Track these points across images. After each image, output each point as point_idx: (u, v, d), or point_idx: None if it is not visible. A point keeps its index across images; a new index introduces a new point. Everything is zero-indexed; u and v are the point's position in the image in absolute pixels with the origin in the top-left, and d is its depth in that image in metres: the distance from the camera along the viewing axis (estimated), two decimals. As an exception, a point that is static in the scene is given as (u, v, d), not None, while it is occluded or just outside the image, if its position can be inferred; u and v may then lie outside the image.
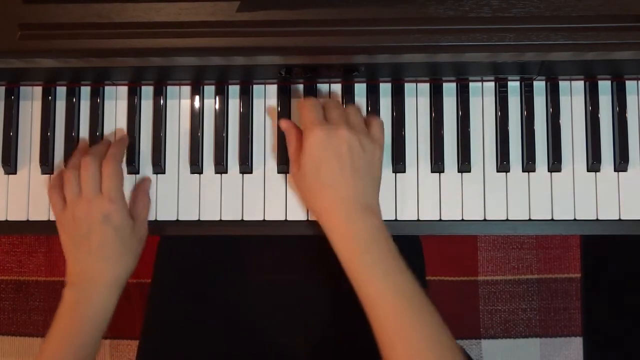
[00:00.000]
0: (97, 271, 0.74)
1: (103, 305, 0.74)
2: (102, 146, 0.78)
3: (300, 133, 0.74)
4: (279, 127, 0.80)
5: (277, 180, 0.80)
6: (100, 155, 0.76)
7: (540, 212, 0.79)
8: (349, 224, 0.69)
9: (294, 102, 0.81)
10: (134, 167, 0.81)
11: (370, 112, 0.79)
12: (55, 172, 0.81)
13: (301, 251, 0.89)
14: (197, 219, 0.80)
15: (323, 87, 0.81)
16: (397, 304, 0.66)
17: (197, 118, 0.81)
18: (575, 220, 0.78)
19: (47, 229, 0.79)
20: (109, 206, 0.73)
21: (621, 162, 0.78)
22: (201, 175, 0.81)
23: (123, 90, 0.82)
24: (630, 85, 0.79)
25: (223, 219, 0.80)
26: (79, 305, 0.73)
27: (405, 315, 0.66)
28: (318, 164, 0.70)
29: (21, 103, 0.82)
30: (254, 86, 0.81)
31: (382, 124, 0.75)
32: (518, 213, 0.79)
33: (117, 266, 0.75)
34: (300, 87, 0.81)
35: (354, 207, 0.69)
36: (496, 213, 0.79)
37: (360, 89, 0.81)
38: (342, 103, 0.80)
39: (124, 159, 0.81)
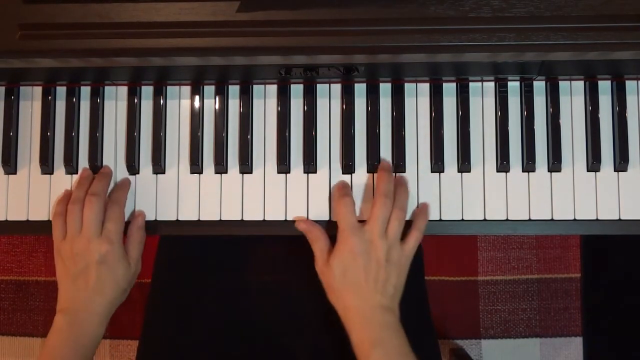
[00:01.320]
0: (90, 303, 0.76)
1: (93, 333, 0.76)
2: (105, 182, 0.79)
3: (321, 231, 0.78)
4: (278, 127, 0.80)
5: (277, 180, 0.80)
6: (104, 194, 0.78)
7: (540, 212, 0.79)
8: (364, 321, 0.73)
9: (294, 103, 0.81)
10: (133, 167, 0.81)
11: (420, 212, 0.78)
12: (60, 172, 0.81)
13: (301, 251, 0.89)
14: (197, 219, 0.80)
15: (323, 87, 0.81)
16: None
17: (197, 118, 0.81)
18: (575, 220, 0.78)
19: (47, 229, 0.79)
20: (107, 248, 0.76)
21: (621, 162, 0.78)
22: (201, 175, 0.81)
23: (123, 90, 0.82)
24: (630, 85, 0.79)
25: (223, 219, 0.80)
26: (71, 331, 0.75)
27: None
28: (346, 271, 0.74)
29: (21, 103, 0.82)
30: (254, 86, 0.81)
31: (420, 237, 0.77)
32: (518, 213, 0.79)
33: (110, 299, 0.77)
34: (300, 87, 0.81)
35: (371, 309, 0.74)
36: (496, 213, 0.79)
37: (360, 89, 0.81)
38: (342, 103, 0.80)
39: (124, 160, 0.81)
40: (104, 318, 0.77)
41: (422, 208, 0.79)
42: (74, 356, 0.75)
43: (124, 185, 0.81)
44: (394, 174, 0.79)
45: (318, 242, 0.77)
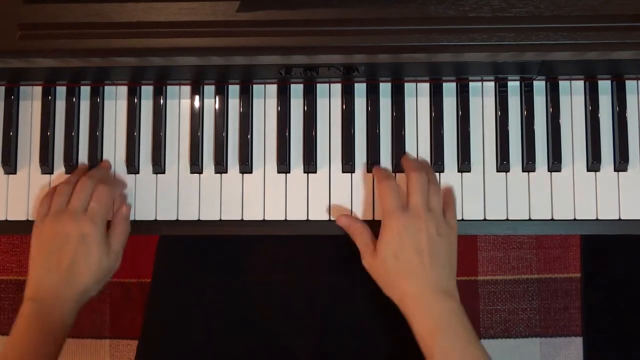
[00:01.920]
0: (59, 290, 0.73)
1: (62, 323, 0.73)
2: (103, 171, 0.79)
3: (363, 225, 0.75)
4: (278, 127, 0.80)
5: (277, 180, 0.80)
6: (98, 179, 0.76)
7: (540, 212, 0.79)
8: (427, 309, 0.70)
9: (294, 103, 0.81)
10: (134, 167, 0.81)
11: (447, 193, 0.78)
12: (56, 177, 0.81)
13: (301, 251, 0.89)
14: (197, 218, 0.80)
15: (323, 86, 0.81)
16: None
17: (197, 118, 0.81)
18: (575, 220, 0.78)
19: (47, 228, 0.79)
20: (89, 226, 0.73)
21: (621, 162, 0.78)
22: (201, 175, 0.81)
23: (123, 90, 0.82)
24: (630, 85, 0.79)
25: (223, 218, 0.80)
26: (40, 319, 0.73)
27: None
28: (397, 253, 0.71)
29: (21, 103, 0.82)
30: (254, 86, 0.81)
31: (455, 207, 0.76)
32: (518, 213, 0.79)
33: (82, 287, 0.74)
34: (300, 87, 0.81)
35: (432, 294, 0.70)
36: (496, 213, 0.79)
37: (360, 89, 0.81)
38: (342, 103, 0.80)
39: (124, 160, 0.81)
40: (74, 308, 0.74)
41: (445, 188, 0.79)
42: (41, 346, 0.72)
43: (121, 181, 0.80)
44: (392, 173, 0.79)
45: (361, 236, 0.75)
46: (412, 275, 0.71)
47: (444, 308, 0.70)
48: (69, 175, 0.80)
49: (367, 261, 0.74)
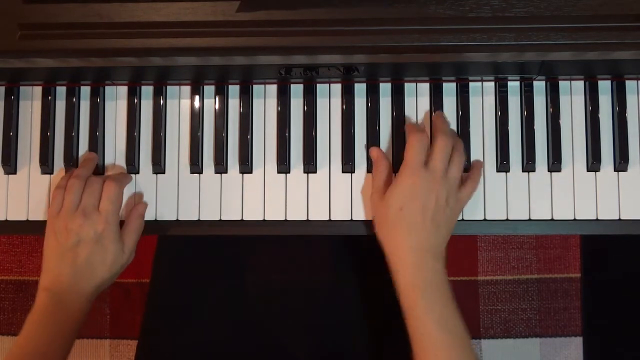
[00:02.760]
0: (76, 283, 0.75)
1: (75, 315, 0.75)
2: (113, 172, 0.80)
3: (389, 165, 0.77)
4: (278, 127, 0.80)
5: (277, 180, 0.80)
6: (106, 175, 0.78)
7: (540, 212, 0.79)
8: (416, 269, 0.72)
9: (294, 103, 0.81)
10: (133, 167, 0.81)
11: (475, 166, 0.78)
12: (60, 171, 0.81)
13: (301, 251, 0.89)
14: (197, 218, 0.80)
15: (323, 87, 0.81)
16: (448, 343, 0.70)
17: (197, 118, 0.81)
18: (575, 220, 0.78)
19: (47, 228, 0.79)
20: (103, 226, 0.75)
21: (621, 162, 0.78)
22: (201, 175, 0.81)
23: (123, 90, 0.82)
24: (630, 85, 0.79)
25: (223, 218, 0.80)
26: (54, 311, 0.74)
27: (454, 353, 0.69)
28: (403, 204, 0.72)
29: (21, 103, 0.82)
30: (254, 86, 0.81)
31: (476, 187, 0.77)
32: (518, 213, 0.79)
33: (96, 281, 0.76)
34: (300, 87, 0.81)
35: (424, 253, 0.72)
36: (496, 213, 0.79)
37: (360, 89, 0.81)
38: (342, 103, 0.80)
39: (124, 160, 0.80)
40: (89, 301, 0.76)
41: (476, 163, 0.79)
42: (57, 337, 0.73)
43: (126, 175, 0.81)
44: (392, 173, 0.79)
45: (382, 173, 0.77)
46: (410, 231, 0.72)
47: (432, 268, 0.72)
48: (76, 168, 0.79)
49: (374, 199, 0.76)
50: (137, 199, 0.81)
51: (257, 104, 0.81)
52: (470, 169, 0.78)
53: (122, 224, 0.78)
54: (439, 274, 0.72)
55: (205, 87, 0.81)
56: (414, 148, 0.73)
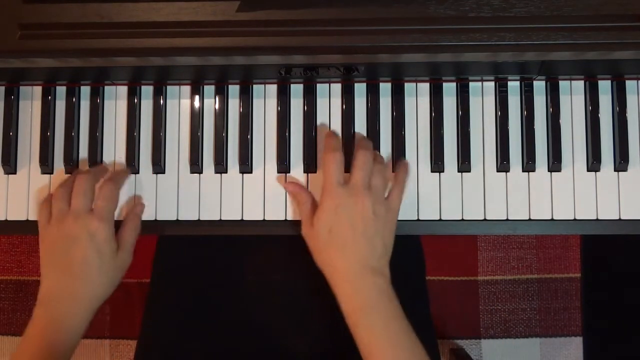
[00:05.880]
0: (73, 290, 0.72)
1: (74, 327, 0.72)
2: (101, 168, 0.78)
3: (308, 195, 0.77)
4: (278, 127, 0.80)
5: (276, 180, 0.80)
6: (97, 175, 0.77)
7: (540, 212, 0.79)
8: (354, 285, 0.71)
9: (294, 103, 0.81)
10: (134, 167, 0.81)
11: (399, 168, 0.78)
12: (60, 171, 0.81)
13: (301, 251, 0.89)
14: (196, 218, 0.80)
15: (323, 87, 0.81)
16: (397, 358, 0.68)
17: (197, 118, 0.81)
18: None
19: (47, 228, 0.79)
20: (96, 224, 0.72)
21: (621, 161, 0.78)
22: (201, 175, 0.81)
23: (123, 90, 0.82)
24: (630, 85, 0.79)
25: (223, 218, 0.80)
26: (52, 325, 0.71)
27: None
28: (331, 226, 0.72)
29: (21, 103, 0.82)
30: (254, 86, 0.81)
31: (403, 190, 0.76)
32: (518, 213, 0.79)
33: (94, 287, 0.73)
34: (300, 87, 0.81)
35: (360, 271, 0.71)
36: (496, 213, 0.79)
37: (360, 89, 0.81)
38: (342, 103, 0.80)
39: (124, 160, 0.81)
40: (87, 310, 0.73)
41: (401, 163, 0.78)
42: (53, 351, 0.71)
43: (124, 170, 0.80)
44: (393, 173, 0.79)
45: (305, 205, 0.76)
46: (342, 249, 0.72)
47: (372, 283, 0.71)
48: (68, 175, 0.80)
49: (305, 230, 0.75)
50: (137, 199, 0.81)
51: (257, 104, 0.81)
52: (395, 173, 0.77)
53: (118, 226, 0.78)
54: (381, 288, 0.71)
55: (205, 87, 0.81)
56: (329, 169, 0.73)
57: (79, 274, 0.72)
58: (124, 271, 0.77)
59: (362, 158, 0.73)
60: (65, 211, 0.74)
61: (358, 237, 0.71)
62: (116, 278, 0.76)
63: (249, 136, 0.80)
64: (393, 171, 0.78)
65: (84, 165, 0.81)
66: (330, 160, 0.74)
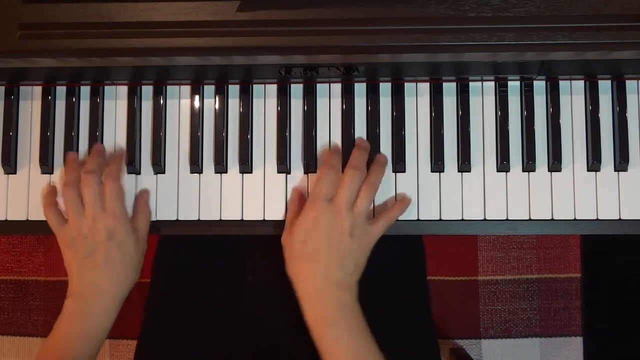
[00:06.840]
0: (100, 284, 0.75)
1: (104, 317, 0.75)
2: (99, 159, 0.78)
3: (299, 207, 0.77)
4: (278, 127, 0.80)
5: (277, 180, 0.80)
6: (100, 171, 0.77)
7: (540, 212, 0.78)
8: (320, 300, 0.72)
9: (294, 103, 0.81)
10: (134, 167, 0.81)
11: (397, 203, 0.77)
12: (60, 171, 0.81)
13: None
14: (196, 218, 0.80)
15: (323, 87, 0.81)
16: None
17: (197, 118, 0.81)
18: (575, 220, 0.78)
19: (47, 228, 0.79)
20: (113, 223, 0.75)
21: (621, 161, 0.78)
22: (201, 175, 0.81)
23: (123, 90, 0.82)
24: (630, 85, 0.79)
25: (223, 218, 0.80)
26: (81, 315, 0.74)
27: None
28: (307, 237, 0.73)
29: (21, 103, 0.82)
30: (254, 86, 0.81)
31: (390, 223, 0.76)
32: (518, 213, 0.79)
33: (121, 279, 0.76)
34: (300, 86, 0.81)
35: (327, 284, 0.72)
36: (496, 213, 0.79)
37: (360, 89, 0.81)
38: (342, 103, 0.80)
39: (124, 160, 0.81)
40: (116, 301, 0.76)
41: (401, 199, 0.78)
42: (84, 343, 0.73)
43: (119, 156, 0.80)
44: (392, 173, 0.79)
45: (290, 213, 0.77)
46: (313, 261, 0.73)
47: (338, 299, 0.72)
48: (64, 172, 0.80)
49: (284, 237, 0.77)
50: (140, 190, 0.81)
51: (257, 103, 0.81)
52: (392, 205, 0.77)
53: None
54: (347, 305, 0.72)
55: (205, 87, 0.81)
56: (321, 182, 0.74)
57: (104, 269, 0.75)
58: (144, 254, 0.79)
59: (349, 178, 0.74)
60: (80, 213, 0.75)
61: (332, 253, 0.72)
62: (139, 264, 0.78)
63: (249, 136, 0.80)
64: (394, 170, 0.78)
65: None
66: (325, 173, 0.75)
